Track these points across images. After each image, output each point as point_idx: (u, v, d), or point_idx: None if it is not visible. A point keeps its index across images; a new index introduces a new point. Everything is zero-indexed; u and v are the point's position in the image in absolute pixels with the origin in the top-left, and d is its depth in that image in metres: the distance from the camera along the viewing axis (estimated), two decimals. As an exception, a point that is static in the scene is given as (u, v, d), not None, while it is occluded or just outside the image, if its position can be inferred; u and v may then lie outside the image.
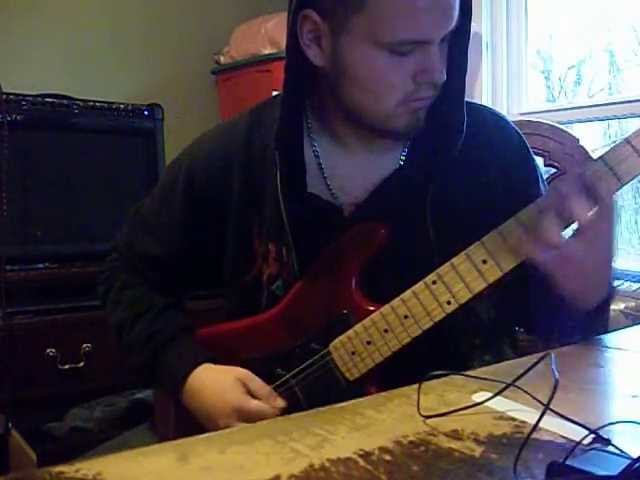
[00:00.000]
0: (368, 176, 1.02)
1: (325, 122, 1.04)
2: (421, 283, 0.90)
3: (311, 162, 1.03)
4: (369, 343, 0.93)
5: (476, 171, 1.02)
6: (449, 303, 0.89)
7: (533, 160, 1.08)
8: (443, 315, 0.89)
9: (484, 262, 0.88)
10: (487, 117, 1.07)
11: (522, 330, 1.17)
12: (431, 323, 0.90)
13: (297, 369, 0.99)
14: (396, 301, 0.91)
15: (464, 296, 0.88)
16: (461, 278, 0.88)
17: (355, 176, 1.03)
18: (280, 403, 0.97)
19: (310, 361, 0.98)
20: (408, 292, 0.91)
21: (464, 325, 0.98)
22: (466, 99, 1.03)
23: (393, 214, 0.99)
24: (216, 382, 1.00)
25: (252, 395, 0.97)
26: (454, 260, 0.89)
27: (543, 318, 1.00)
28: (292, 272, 1.00)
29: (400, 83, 0.92)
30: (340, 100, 0.98)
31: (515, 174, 1.03)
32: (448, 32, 0.92)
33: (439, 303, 0.89)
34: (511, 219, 0.87)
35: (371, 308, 0.94)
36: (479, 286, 0.88)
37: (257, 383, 0.98)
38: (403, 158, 1.03)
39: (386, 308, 0.92)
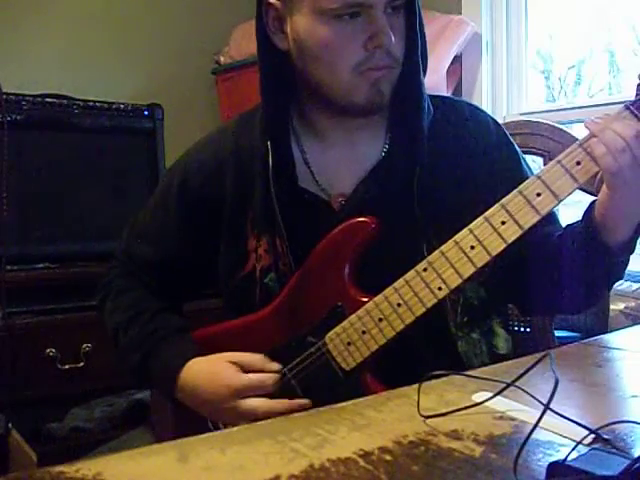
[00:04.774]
0: (353, 169, 1.05)
1: (306, 119, 1.07)
2: (412, 271, 0.92)
3: (298, 158, 1.06)
4: (364, 333, 0.95)
5: (458, 160, 1.05)
6: (440, 289, 0.91)
7: (513, 145, 1.11)
8: (435, 301, 0.91)
9: (472, 248, 0.89)
10: (464, 107, 1.11)
11: (515, 308, 1.19)
12: (423, 309, 0.91)
13: (294, 362, 1.00)
14: (389, 290, 0.93)
15: (454, 281, 0.90)
16: (451, 264, 0.90)
17: (341, 170, 1.06)
18: (275, 366, 0.99)
19: (306, 354, 0.99)
20: (400, 280, 0.92)
21: (451, 303, 1.01)
22: (444, 94, 1.06)
23: (381, 205, 1.02)
24: (209, 371, 1.01)
25: (247, 370, 0.99)
26: (443, 247, 0.91)
27: (542, 295, 1.02)
28: (287, 262, 1.02)
29: (350, 50, 0.95)
30: (308, 84, 1.02)
31: (496, 160, 1.07)
32: (395, 1, 0.96)
33: (430, 289, 0.91)
34: (497, 204, 0.89)
35: (364, 299, 0.96)
36: (468, 271, 0.90)
37: (247, 356, 1.00)
38: (386, 149, 1.06)
39: (379, 297, 0.94)
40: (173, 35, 2.59)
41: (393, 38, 0.95)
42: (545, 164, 1.37)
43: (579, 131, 2.07)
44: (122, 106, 2.08)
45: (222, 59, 2.52)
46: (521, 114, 2.21)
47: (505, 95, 2.30)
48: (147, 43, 2.54)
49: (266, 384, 0.97)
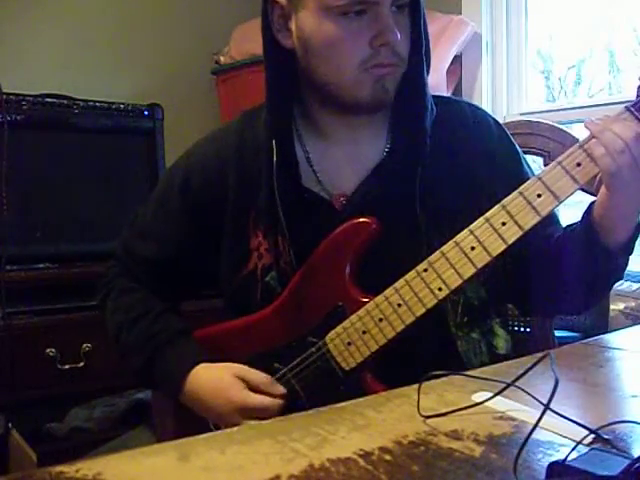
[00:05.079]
0: (356, 169, 1.05)
1: (309, 118, 1.07)
2: (413, 271, 0.92)
3: (301, 157, 1.06)
4: (364, 333, 0.95)
5: (459, 161, 1.05)
6: (440, 289, 0.91)
7: (514, 146, 1.11)
8: (435, 301, 0.91)
9: (472, 249, 0.90)
10: (465, 107, 1.11)
11: (514, 308, 1.19)
12: (424, 310, 0.92)
13: (294, 362, 1.00)
14: (389, 290, 0.93)
15: (455, 282, 0.90)
16: (451, 265, 0.90)
17: (343, 169, 1.06)
18: (280, 390, 0.98)
19: (307, 354, 0.99)
20: (401, 281, 0.93)
21: (452, 303, 1.01)
22: (444, 94, 1.06)
23: (383, 204, 1.02)
24: (215, 382, 1.01)
25: (252, 388, 0.99)
26: (444, 248, 0.91)
27: (542, 296, 1.03)
28: (288, 261, 1.02)
29: (356, 47, 0.95)
30: (313, 82, 1.02)
31: (497, 160, 1.07)
32: (400, 0, 0.96)
33: (431, 290, 0.91)
34: (497, 205, 0.89)
35: (365, 299, 0.96)
36: (468, 272, 0.90)
37: (255, 375, 1.00)
38: (388, 148, 1.06)
39: (379, 298, 0.94)
40: (173, 35, 2.59)
41: (399, 35, 0.95)
42: (545, 164, 1.37)
43: (579, 131, 2.06)
44: (122, 106, 2.08)
45: (222, 59, 2.52)
46: (521, 114, 2.21)
47: (505, 95, 2.30)
48: (147, 43, 2.54)
49: (270, 410, 0.96)
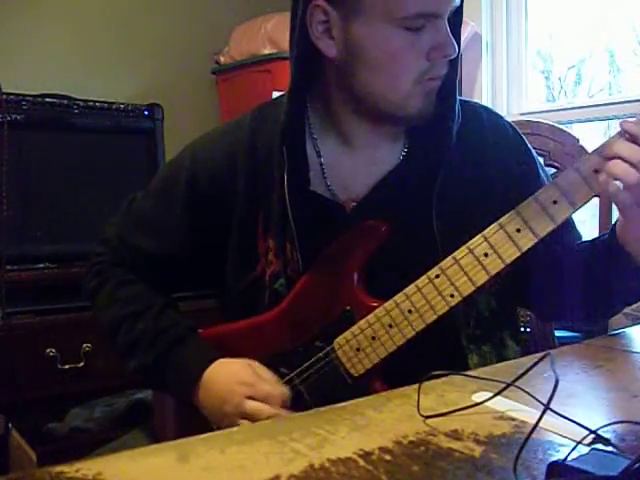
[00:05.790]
0: (370, 173, 1.03)
1: (331, 120, 1.04)
2: (424, 277, 0.91)
3: (312, 161, 1.03)
4: (374, 339, 0.94)
5: (474, 167, 1.03)
6: (452, 296, 0.89)
7: (530, 152, 1.09)
8: (447, 309, 0.90)
9: (486, 255, 0.88)
10: (481, 112, 1.09)
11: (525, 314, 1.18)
12: (435, 317, 0.90)
13: (301, 367, 0.99)
14: (400, 296, 0.92)
15: (467, 289, 0.89)
16: (464, 271, 0.89)
17: (357, 174, 1.04)
18: (285, 391, 0.97)
19: (314, 359, 0.98)
20: (412, 287, 0.91)
21: (465, 316, 0.99)
22: (463, 97, 1.05)
23: (396, 209, 1.00)
24: (230, 368, 0.99)
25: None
26: (456, 254, 0.90)
27: (560, 306, 1.02)
28: (296, 268, 1.00)
29: (415, 61, 0.94)
30: (351, 90, 0.98)
31: (513, 169, 1.05)
32: (453, 7, 0.94)
33: (442, 297, 0.90)
34: (512, 211, 0.88)
35: (374, 304, 0.95)
36: (482, 279, 0.89)
37: (265, 370, 0.99)
38: (404, 154, 1.04)
39: (390, 303, 0.93)
40: (173, 35, 2.59)
41: (457, 48, 0.94)
42: (545, 164, 1.37)
43: (579, 131, 2.07)
44: (122, 106, 2.08)
45: (222, 59, 2.52)
46: (521, 114, 2.21)
47: (505, 95, 2.30)
48: (147, 43, 2.54)
49: (272, 401, 0.95)
